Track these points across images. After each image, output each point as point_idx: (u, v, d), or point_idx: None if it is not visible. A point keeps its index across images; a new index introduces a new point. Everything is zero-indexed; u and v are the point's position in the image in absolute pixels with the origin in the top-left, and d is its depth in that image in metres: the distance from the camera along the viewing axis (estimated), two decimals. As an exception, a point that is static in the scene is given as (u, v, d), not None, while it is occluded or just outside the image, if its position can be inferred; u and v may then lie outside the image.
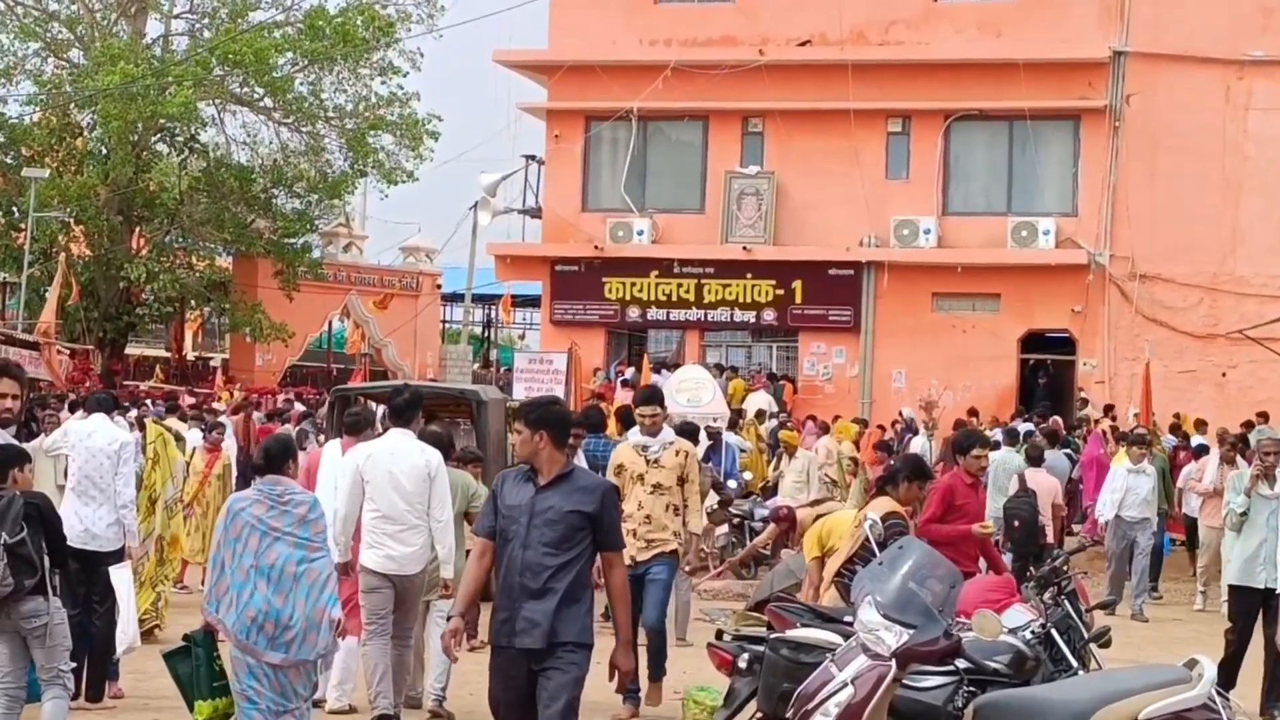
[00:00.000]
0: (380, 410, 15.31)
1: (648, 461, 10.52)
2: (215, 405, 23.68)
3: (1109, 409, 26.43)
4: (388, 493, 9.86)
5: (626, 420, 14.58)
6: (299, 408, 26.23)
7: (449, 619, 7.22)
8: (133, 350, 40.02)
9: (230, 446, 17.67)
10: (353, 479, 9.91)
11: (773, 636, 8.12)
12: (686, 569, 10.94)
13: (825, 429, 24.20)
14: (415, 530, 9.90)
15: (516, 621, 6.88)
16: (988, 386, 29.35)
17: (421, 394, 11.52)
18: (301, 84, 36.40)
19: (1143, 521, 17.21)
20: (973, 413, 25.83)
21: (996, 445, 17.76)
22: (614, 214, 31.40)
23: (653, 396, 10.87)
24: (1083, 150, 29.60)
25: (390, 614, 9.96)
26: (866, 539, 8.80)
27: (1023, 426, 23.63)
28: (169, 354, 40.25)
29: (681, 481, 10.53)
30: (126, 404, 21.29)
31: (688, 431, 12.64)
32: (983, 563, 10.62)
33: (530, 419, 7.02)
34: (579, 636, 6.91)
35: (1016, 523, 16.35)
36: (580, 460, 11.41)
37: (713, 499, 16.50)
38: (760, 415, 25.73)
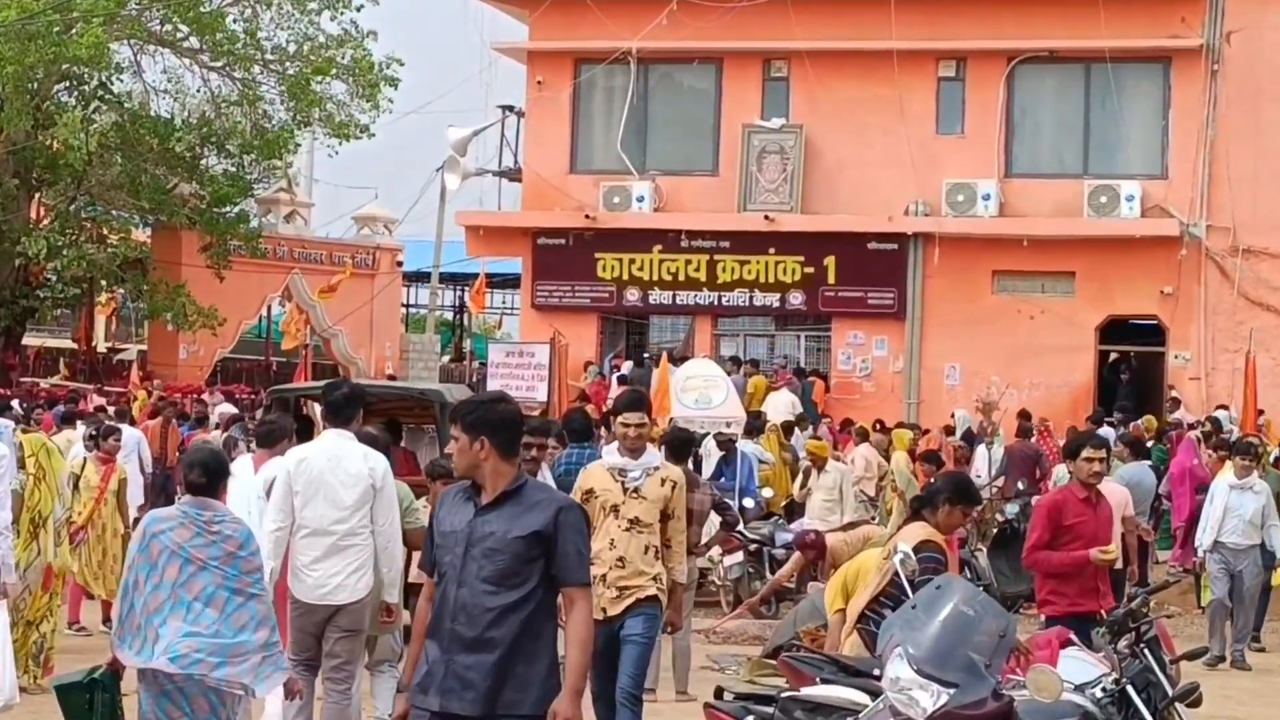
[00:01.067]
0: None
1: (625, 489, 9.75)
2: (108, 407, 23.60)
3: (1219, 411, 26.25)
4: (320, 505, 9.82)
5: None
6: (224, 409, 26.13)
7: (399, 688, 6.90)
8: (32, 341, 40.10)
9: (135, 458, 17.59)
10: (283, 488, 9.85)
11: (784, 695, 8.00)
12: (668, 630, 10.57)
13: (864, 435, 24.08)
14: (353, 550, 9.84)
15: (445, 678, 6.44)
16: (1059, 384, 29.30)
17: (362, 389, 11.48)
18: (235, 20, 36.42)
19: (1250, 549, 17.05)
20: (1025, 415, 25.71)
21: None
22: (608, 176, 31.37)
23: (638, 401, 10.27)
24: (1174, 99, 29.57)
25: (314, 656, 9.93)
26: (896, 575, 8.64)
27: (1105, 433, 23.45)
28: (76, 345, 40.23)
29: (665, 518, 9.84)
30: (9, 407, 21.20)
31: (681, 440, 12.34)
32: None
33: (468, 421, 6.57)
34: (533, 707, 6.42)
35: (1082, 543, 16.23)
36: (545, 478, 11.07)
37: (713, 521, 16.29)
38: (802, 421, 25.56)
